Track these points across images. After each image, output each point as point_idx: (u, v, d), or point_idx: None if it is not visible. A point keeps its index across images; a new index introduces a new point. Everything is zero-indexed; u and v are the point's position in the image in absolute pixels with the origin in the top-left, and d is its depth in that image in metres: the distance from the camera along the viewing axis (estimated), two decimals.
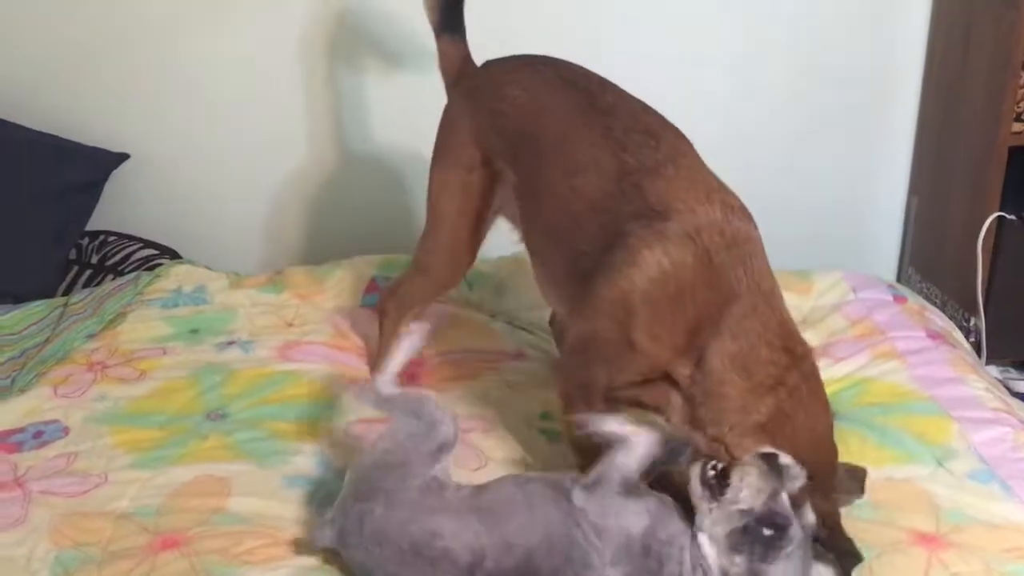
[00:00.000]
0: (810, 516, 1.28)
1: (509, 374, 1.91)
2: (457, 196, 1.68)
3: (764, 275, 1.40)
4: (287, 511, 1.49)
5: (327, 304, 2.13)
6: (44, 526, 1.43)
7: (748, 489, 1.21)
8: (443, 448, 1.35)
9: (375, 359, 1.79)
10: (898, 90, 2.64)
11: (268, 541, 1.41)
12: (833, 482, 1.37)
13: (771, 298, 1.39)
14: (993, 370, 2.45)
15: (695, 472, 1.24)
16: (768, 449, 1.27)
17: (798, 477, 1.24)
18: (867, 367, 1.87)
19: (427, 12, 1.75)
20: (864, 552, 1.35)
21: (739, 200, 1.46)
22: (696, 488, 1.23)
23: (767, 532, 1.19)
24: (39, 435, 1.68)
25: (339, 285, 2.18)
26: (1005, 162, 2.28)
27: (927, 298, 2.44)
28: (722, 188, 1.47)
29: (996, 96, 2.28)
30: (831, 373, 1.85)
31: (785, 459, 1.25)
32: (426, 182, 1.75)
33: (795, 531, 1.20)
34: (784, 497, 1.22)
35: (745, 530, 1.19)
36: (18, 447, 1.65)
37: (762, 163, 2.62)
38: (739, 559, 1.20)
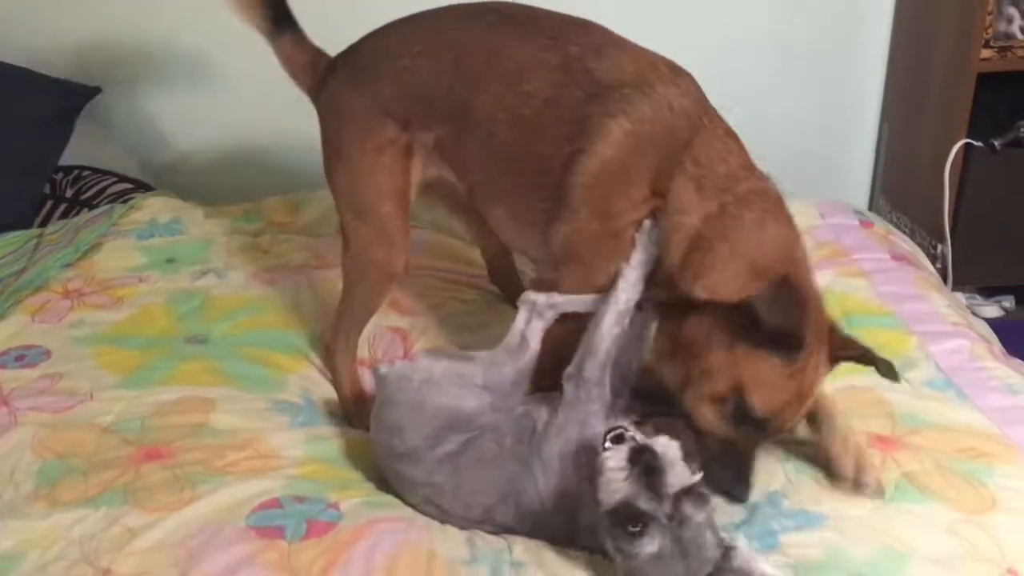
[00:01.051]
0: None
1: (490, 294, 1.95)
2: (377, 181, 1.57)
3: (723, 121, 1.44)
4: (270, 428, 1.53)
5: (303, 232, 2.15)
6: (29, 440, 1.46)
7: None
8: None
9: (344, 402, 1.66)
10: (870, 20, 2.66)
11: (251, 454, 1.45)
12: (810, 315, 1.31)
13: (733, 137, 1.43)
14: (960, 296, 2.51)
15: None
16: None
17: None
18: (832, 284, 1.92)
19: (249, 18, 1.64)
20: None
21: (687, 71, 1.48)
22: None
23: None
24: (21, 358, 1.70)
25: (314, 212, 2.20)
26: (973, 88, 2.31)
27: (896, 227, 2.48)
28: (667, 60, 1.48)
29: (966, 22, 2.30)
30: None
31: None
32: None
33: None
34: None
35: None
36: (2, 368, 1.67)
37: (736, 95, 2.63)
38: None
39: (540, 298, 1.43)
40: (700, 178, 1.36)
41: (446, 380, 1.39)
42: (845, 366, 1.63)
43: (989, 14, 2.27)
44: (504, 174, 1.52)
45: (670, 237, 1.36)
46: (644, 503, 1.12)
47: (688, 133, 1.38)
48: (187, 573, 1.21)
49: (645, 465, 1.14)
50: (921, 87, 2.53)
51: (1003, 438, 1.48)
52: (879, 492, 1.34)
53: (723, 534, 1.17)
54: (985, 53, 2.30)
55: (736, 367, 1.29)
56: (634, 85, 1.39)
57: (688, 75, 1.46)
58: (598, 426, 1.30)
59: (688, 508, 1.12)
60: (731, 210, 1.34)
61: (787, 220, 1.40)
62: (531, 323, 1.42)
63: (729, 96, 2.60)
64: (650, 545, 1.11)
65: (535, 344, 1.42)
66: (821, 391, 1.40)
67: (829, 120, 2.77)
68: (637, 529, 1.11)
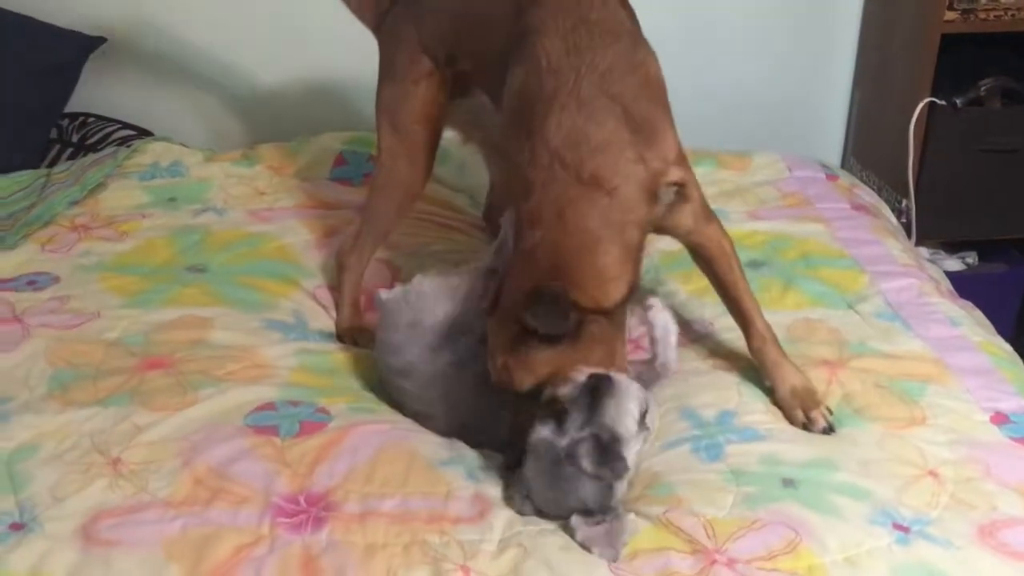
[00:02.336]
0: None
1: (476, 238, 2.07)
2: (413, 106, 1.72)
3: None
4: (264, 343, 1.65)
5: (298, 176, 2.27)
6: (41, 350, 1.59)
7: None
8: None
9: (340, 323, 1.79)
10: None
11: (247, 364, 1.58)
12: None
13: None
14: (924, 251, 2.62)
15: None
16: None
17: None
18: (791, 227, 2.05)
19: None
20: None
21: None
22: None
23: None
24: (32, 283, 1.82)
25: (309, 158, 2.31)
26: (937, 48, 2.42)
27: (866, 184, 2.60)
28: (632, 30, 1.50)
29: None
30: (756, 227, 2.04)
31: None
32: None
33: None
34: None
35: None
36: (13, 291, 1.79)
37: (711, 58, 2.76)
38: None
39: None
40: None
41: (435, 292, 1.51)
42: (800, 299, 1.79)
43: None
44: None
45: None
46: None
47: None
48: (190, 462, 1.34)
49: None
50: (889, 49, 2.64)
51: (939, 362, 1.60)
52: (828, 432, 1.44)
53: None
54: (949, 15, 2.40)
55: None
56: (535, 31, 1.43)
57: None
58: None
59: None
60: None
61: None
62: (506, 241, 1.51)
63: (705, 58, 2.75)
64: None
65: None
66: (767, 341, 1.52)
67: (804, 83, 2.87)
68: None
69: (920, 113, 2.49)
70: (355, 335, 1.75)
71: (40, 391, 1.49)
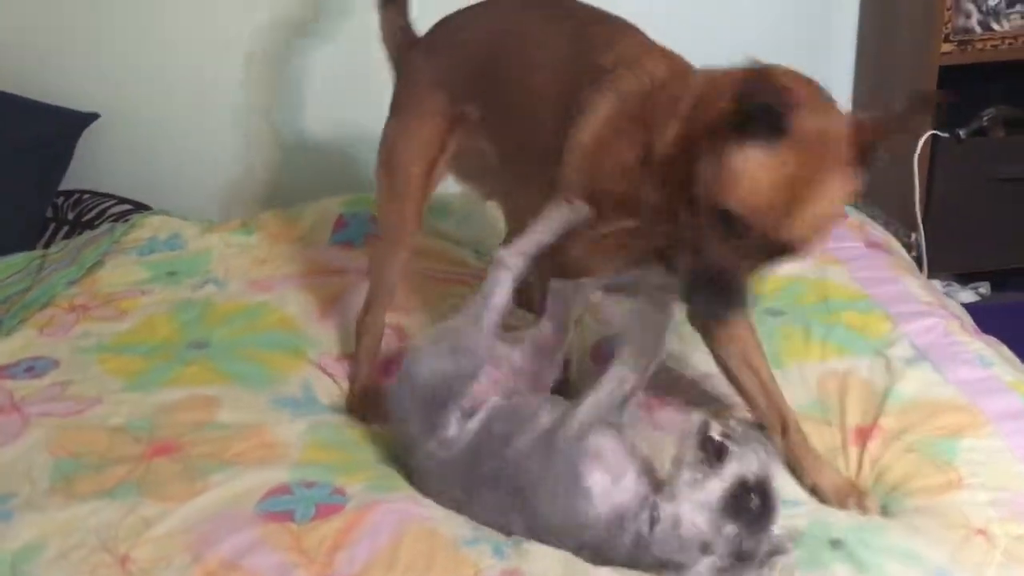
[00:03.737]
0: None
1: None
2: (411, 143, 1.69)
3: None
4: (274, 421, 1.60)
5: (299, 242, 2.22)
6: (43, 441, 1.53)
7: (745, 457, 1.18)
8: None
9: (352, 392, 1.74)
10: (838, 20, 2.76)
11: (257, 444, 1.52)
12: None
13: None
14: (937, 284, 2.59)
15: (691, 435, 1.21)
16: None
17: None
18: (810, 272, 1.98)
19: None
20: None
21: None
22: (689, 452, 1.20)
23: (757, 501, 1.16)
24: (30, 369, 1.77)
25: (309, 223, 2.27)
26: (936, 81, 2.40)
27: (871, 219, 2.56)
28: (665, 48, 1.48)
29: (927, 18, 2.41)
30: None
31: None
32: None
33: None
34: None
35: (737, 498, 1.16)
36: (11, 379, 1.73)
37: None
38: (729, 527, 1.15)
39: (503, 251, 1.48)
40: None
41: (427, 348, 1.46)
42: (826, 349, 1.73)
43: (948, 10, 2.37)
44: (522, 157, 1.59)
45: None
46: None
47: (679, 91, 1.33)
48: (202, 556, 1.27)
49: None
50: (887, 82, 2.63)
51: (971, 408, 1.54)
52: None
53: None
54: (946, 47, 2.40)
55: (717, 170, 1.18)
56: (625, 67, 1.40)
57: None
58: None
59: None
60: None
61: None
62: (495, 275, 1.46)
63: None
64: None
65: (501, 295, 1.45)
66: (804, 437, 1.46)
67: None
68: None
69: (923, 146, 2.47)
70: (366, 406, 1.69)
71: (43, 485, 1.43)
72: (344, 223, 2.25)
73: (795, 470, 1.46)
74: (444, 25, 1.76)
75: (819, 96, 1.23)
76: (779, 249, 1.19)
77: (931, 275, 2.58)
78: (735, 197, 1.15)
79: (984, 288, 2.72)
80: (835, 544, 1.26)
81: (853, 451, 1.52)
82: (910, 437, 1.50)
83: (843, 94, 2.84)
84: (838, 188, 1.18)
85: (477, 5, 1.75)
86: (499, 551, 1.29)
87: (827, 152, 1.16)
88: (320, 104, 2.58)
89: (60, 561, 1.28)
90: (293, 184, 2.61)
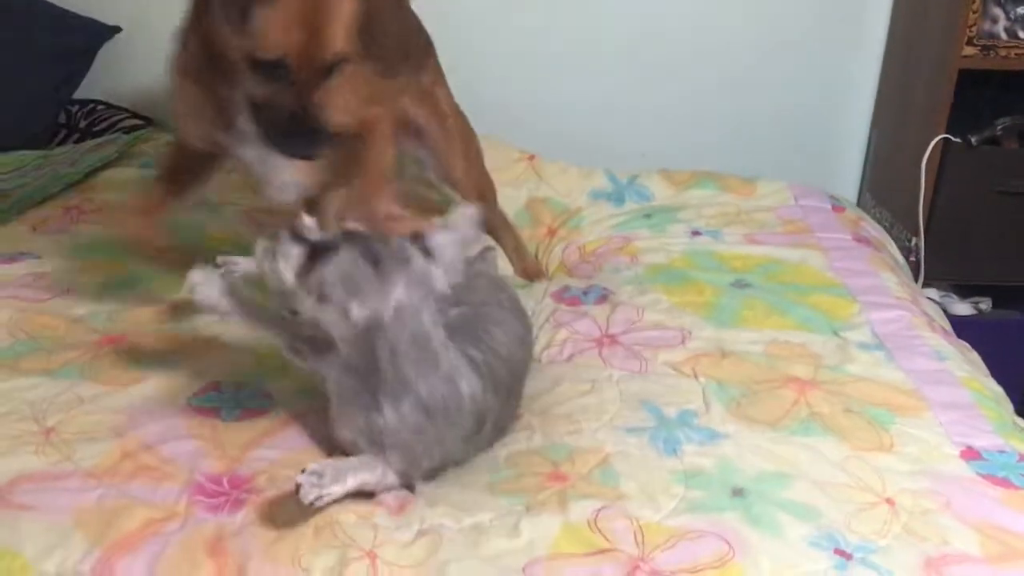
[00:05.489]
0: None
1: None
2: None
3: None
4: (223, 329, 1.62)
5: None
6: (3, 321, 1.59)
7: None
8: None
9: None
10: (868, 18, 2.72)
11: (202, 344, 1.56)
12: None
13: None
14: (934, 293, 2.55)
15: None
16: None
17: None
18: (786, 253, 1.99)
19: None
20: (737, 388, 1.50)
21: None
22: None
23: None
24: (12, 259, 1.82)
25: None
26: (954, 84, 2.35)
27: (879, 222, 2.54)
28: None
29: (952, 20, 2.36)
30: (750, 250, 1.99)
31: None
32: None
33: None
34: None
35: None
36: None
37: (731, 88, 2.73)
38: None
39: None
40: None
41: None
42: (784, 321, 1.73)
43: (974, 12, 2.32)
44: None
45: None
46: None
47: None
48: (123, 435, 1.31)
49: None
50: (909, 84, 2.58)
51: (916, 393, 1.53)
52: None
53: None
54: (968, 51, 2.34)
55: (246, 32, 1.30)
56: None
57: None
58: None
59: None
60: None
61: None
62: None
63: (726, 92, 2.72)
64: None
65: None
66: None
67: (823, 117, 2.82)
68: None
69: (933, 150, 2.43)
70: None
71: None
72: None
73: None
74: None
75: None
76: (310, 71, 1.33)
77: (928, 283, 2.55)
78: (263, 45, 1.30)
79: (985, 304, 2.66)
80: (736, 492, 1.26)
81: (788, 392, 1.50)
82: (849, 400, 1.50)
83: (868, 92, 2.81)
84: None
85: None
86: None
87: None
88: None
89: None
90: None
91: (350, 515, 1.17)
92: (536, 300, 1.83)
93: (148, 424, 1.34)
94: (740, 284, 1.86)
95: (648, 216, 2.18)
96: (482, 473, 1.30)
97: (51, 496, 1.19)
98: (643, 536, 1.16)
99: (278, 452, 1.31)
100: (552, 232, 2.19)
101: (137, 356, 1.51)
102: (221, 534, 1.14)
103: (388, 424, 1.21)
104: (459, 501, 1.24)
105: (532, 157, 2.37)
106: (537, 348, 1.63)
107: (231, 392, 1.43)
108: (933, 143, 2.42)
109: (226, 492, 1.22)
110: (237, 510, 1.19)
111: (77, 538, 1.12)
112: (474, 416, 1.28)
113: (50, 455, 1.27)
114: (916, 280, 2.43)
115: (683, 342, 1.65)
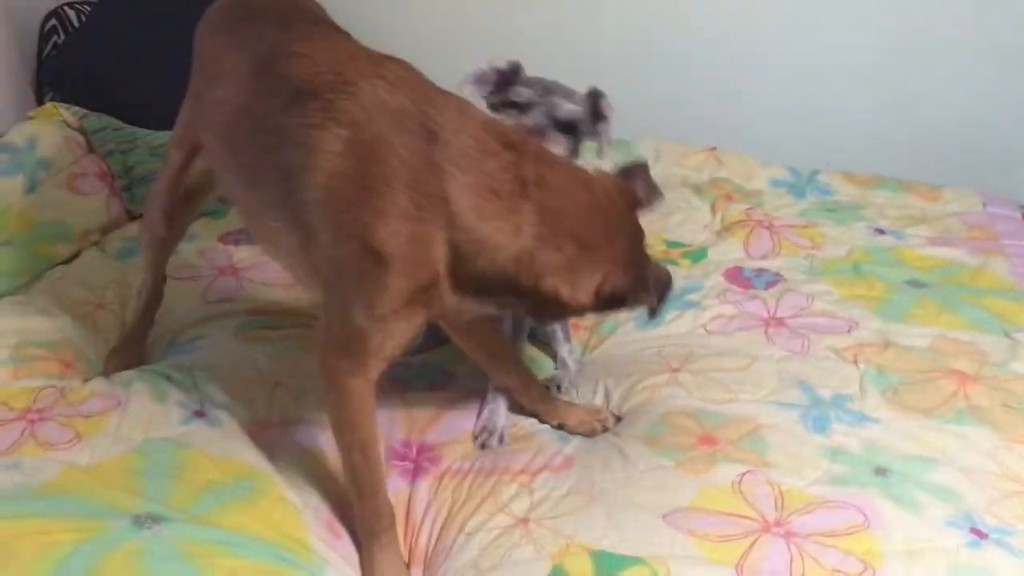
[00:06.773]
0: None
1: None
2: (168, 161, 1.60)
3: (450, 96, 1.24)
4: None
5: None
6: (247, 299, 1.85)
7: None
8: None
9: None
10: None
11: None
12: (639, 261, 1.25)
13: (467, 110, 1.23)
14: None
15: None
16: None
17: None
18: (969, 258, 1.99)
19: None
20: (897, 376, 1.54)
21: (390, 58, 1.27)
22: None
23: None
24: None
25: None
26: None
27: None
28: (366, 50, 1.30)
29: None
30: (933, 252, 2.01)
31: None
32: None
33: None
34: None
35: None
36: (234, 244, 2.03)
37: (928, 99, 2.71)
38: None
39: None
40: (482, 182, 1.17)
41: None
42: (955, 320, 1.75)
43: None
44: (243, 189, 1.39)
45: (487, 246, 1.18)
46: None
47: (426, 137, 1.17)
48: None
49: None
50: None
51: None
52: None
53: None
54: None
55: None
56: (334, 92, 1.20)
57: (395, 61, 1.26)
58: None
59: None
60: (548, 204, 1.18)
61: (575, 174, 1.25)
62: None
63: (930, 94, 2.66)
64: None
65: None
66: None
67: (1017, 123, 2.74)
68: None
69: None
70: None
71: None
72: None
73: (542, 417, 1.52)
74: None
75: None
76: None
77: None
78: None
79: None
80: (879, 471, 1.32)
81: (947, 384, 1.53)
82: (1009, 396, 1.51)
83: None
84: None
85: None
86: (563, 437, 1.48)
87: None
88: None
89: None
90: None
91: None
92: (705, 274, 1.92)
93: None
94: (916, 283, 1.89)
95: (832, 211, 2.23)
96: (640, 425, 1.45)
97: None
98: (783, 501, 1.26)
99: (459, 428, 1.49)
100: (729, 197, 2.27)
101: None
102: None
103: None
104: (615, 453, 1.39)
105: (713, 148, 2.46)
106: (705, 316, 1.75)
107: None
108: None
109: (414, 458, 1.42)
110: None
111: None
112: None
113: None
114: None
115: (849, 331, 1.71)
